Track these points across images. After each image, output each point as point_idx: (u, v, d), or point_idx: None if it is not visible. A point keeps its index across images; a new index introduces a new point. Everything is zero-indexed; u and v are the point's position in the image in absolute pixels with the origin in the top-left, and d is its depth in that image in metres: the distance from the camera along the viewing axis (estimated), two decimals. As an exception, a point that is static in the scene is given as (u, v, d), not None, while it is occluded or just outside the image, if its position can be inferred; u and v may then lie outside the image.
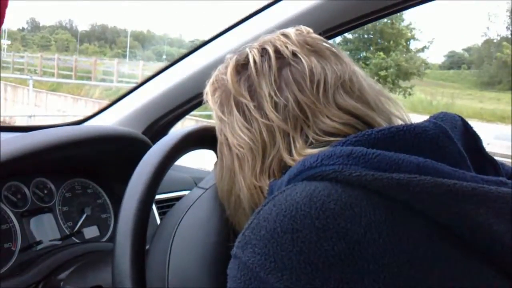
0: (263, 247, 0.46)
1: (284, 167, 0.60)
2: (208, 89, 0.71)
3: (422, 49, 21.53)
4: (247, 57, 0.66)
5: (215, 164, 0.76)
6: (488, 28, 48.37)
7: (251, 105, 0.63)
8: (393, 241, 0.44)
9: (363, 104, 0.62)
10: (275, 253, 0.45)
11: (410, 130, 0.53)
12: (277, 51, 0.64)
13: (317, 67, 0.62)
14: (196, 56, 1.25)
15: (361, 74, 0.67)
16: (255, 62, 0.64)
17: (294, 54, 0.64)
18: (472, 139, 0.60)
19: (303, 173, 0.52)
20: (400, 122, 0.65)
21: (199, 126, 0.81)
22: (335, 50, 0.67)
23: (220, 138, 0.69)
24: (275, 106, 0.61)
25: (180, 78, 1.25)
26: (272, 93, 0.61)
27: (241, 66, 0.66)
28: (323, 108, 0.60)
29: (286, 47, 0.64)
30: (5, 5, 0.47)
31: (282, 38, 0.66)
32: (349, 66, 0.65)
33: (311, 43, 0.66)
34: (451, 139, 0.54)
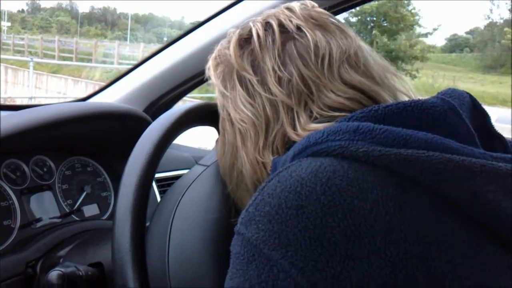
0: (267, 223, 0.45)
1: (288, 143, 0.59)
2: (210, 64, 0.70)
3: (426, 35, 21.43)
4: (250, 31, 0.65)
5: (217, 140, 0.75)
6: (491, 10, 48.07)
7: (254, 79, 0.62)
8: (401, 217, 0.43)
9: (368, 79, 0.61)
10: (280, 229, 0.44)
11: (418, 106, 0.52)
12: (281, 25, 0.63)
13: (322, 41, 0.61)
14: (197, 34, 1.23)
15: (367, 49, 0.66)
16: (258, 36, 0.63)
17: (298, 28, 0.63)
18: (481, 116, 0.59)
19: (308, 149, 0.51)
20: (406, 98, 0.63)
21: (200, 102, 0.79)
22: (340, 24, 0.66)
23: (222, 113, 0.68)
24: (279, 80, 0.60)
25: (181, 56, 1.23)
26: (276, 68, 0.60)
27: (244, 40, 0.65)
28: (328, 82, 0.59)
29: (291, 21, 0.63)
30: None
31: (287, 12, 0.65)
32: (355, 41, 0.64)
33: (316, 17, 0.64)
34: (459, 115, 0.53)
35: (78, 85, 16.22)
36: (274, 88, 0.60)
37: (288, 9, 0.66)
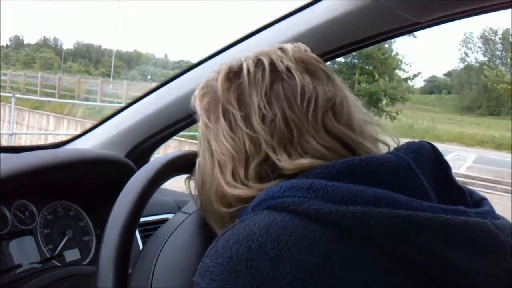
0: (219, 274, 0.48)
1: (267, 168, 0.60)
2: (196, 93, 0.70)
3: (406, 80, 21.97)
4: (241, 66, 0.66)
5: (187, 177, 0.76)
6: (466, 54, 49.47)
7: (238, 114, 0.62)
8: (348, 272, 0.46)
9: (349, 129, 0.62)
10: (231, 280, 0.47)
11: (372, 161, 0.55)
12: (272, 64, 0.64)
13: (309, 86, 0.62)
14: (182, 79, 1.26)
15: (351, 99, 0.67)
16: (248, 71, 0.64)
17: (288, 69, 0.63)
18: (442, 168, 0.61)
19: (266, 202, 0.54)
20: (385, 147, 0.66)
21: (182, 152, 0.82)
22: (328, 71, 0.67)
23: (203, 143, 0.68)
24: (263, 118, 0.61)
25: (166, 101, 1.25)
26: (262, 105, 0.61)
27: (234, 74, 0.66)
28: (310, 128, 0.60)
29: (282, 61, 0.64)
30: None
31: (279, 52, 0.66)
32: (341, 90, 0.66)
33: (306, 61, 0.66)
34: (412, 170, 0.55)
35: (60, 122, 16.10)
36: (257, 125, 0.60)
37: (281, 49, 0.67)
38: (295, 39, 1.02)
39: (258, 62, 0.65)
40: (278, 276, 0.45)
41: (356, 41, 1.07)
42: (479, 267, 0.50)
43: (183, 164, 0.79)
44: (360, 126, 0.64)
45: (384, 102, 19.94)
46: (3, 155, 0.99)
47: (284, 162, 0.59)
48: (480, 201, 0.61)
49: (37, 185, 1.05)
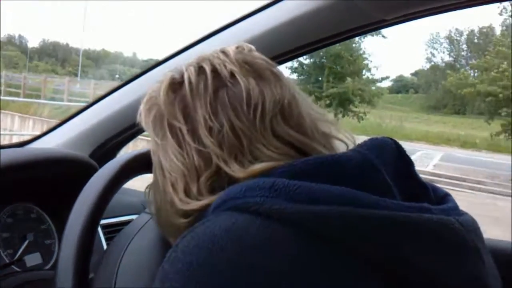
0: (180, 280, 0.46)
1: (227, 181, 0.58)
2: (142, 109, 0.66)
3: (374, 82, 22.21)
4: (182, 75, 0.63)
5: (148, 186, 0.73)
6: (432, 54, 50.55)
7: (184, 129, 0.60)
8: (312, 274, 0.45)
9: (299, 131, 0.60)
10: (192, 286, 0.45)
11: (334, 159, 0.54)
12: (214, 71, 0.61)
13: (255, 90, 0.60)
14: (147, 78, 1.23)
15: (301, 99, 0.64)
16: (190, 81, 0.61)
17: (232, 74, 0.60)
18: (405, 164, 0.60)
19: (227, 203, 0.52)
20: (343, 146, 0.64)
21: (144, 150, 0.79)
22: (275, 70, 0.64)
23: (154, 160, 0.66)
24: (210, 130, 0.58)
25: (130, 99, 1.22)
26: (207, 117, 0.58)
27: (178, 85, 0.63)
28: (259, 135, 0.58)
29: (225, 66, 0.61)
30: None
31: (221, 56, 0.63)
32: (289, 90, 0.63)
33: (250, 62, 0.63)
34: (375, 168, 0.54)
35: (25, 122, 15.74)
36: (206, 138, 0.58)
37: (223, 52, 0.64)
38: (253, 40, 1.02)
39: (200, 70, 0.62)
40: (239, 281, 0.44)
41: (319, 39, 1.07)
42: (444, 266, 0.49)
43: (146, 163, 0.77)
44: (311, 127, 0.62)
45: (356, 103, 20.20)
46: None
47: (237, 171, 0.57)
48: (443, 197, 0.61)
49: (-4, 186, 1.01)
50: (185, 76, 0.62)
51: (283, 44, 1.03)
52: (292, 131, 0.60)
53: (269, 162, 0.56)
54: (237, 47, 0.65)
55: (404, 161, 0.60)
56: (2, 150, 1.06)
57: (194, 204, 0.59)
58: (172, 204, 0.62)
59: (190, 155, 0.59)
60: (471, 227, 0.55)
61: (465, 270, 0.51)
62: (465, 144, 21.45)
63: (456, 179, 11.80)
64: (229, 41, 1.08)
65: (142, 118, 0.66)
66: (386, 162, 0.56)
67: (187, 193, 0.60)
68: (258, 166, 0.56)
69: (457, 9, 0.93)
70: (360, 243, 0.47)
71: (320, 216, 0.47)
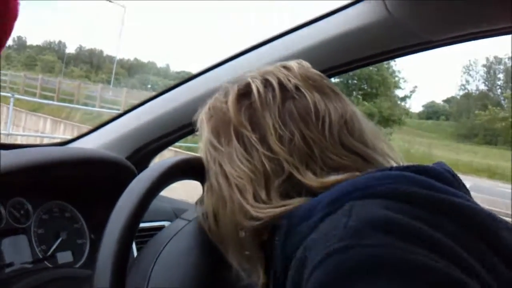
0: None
1: (292, 186, 0.60)
2: (203, 117, 0.69)
3: (404, 98, 21.99)
4: (248, 86, 0.65)
5: (201, 198, 0.73)
6: (467, 81, 49.86)
7: (253, 136, 0.61)
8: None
9: (363, 144, 0.63)
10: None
11: (420, 168, 0.56)
12: (280, 84, 0.64)
13: (321, 103, 0.62)
14: (186, 87, 1.25)
15: (360, 115, 0.67)
16: (259, 92, 0.63)
17: (297, 88, 0.63)
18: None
19: (356, 192, 0.52)
20: (394, 164, 0.65)
21: (185, 156, 0.80)
22: (334, 88, 0.67)
23: (213, 167, 0.66)
24: (280, 139, 0.60)
25: (168, 108, 1.24)
26: (277, 126, 0.61)
27: (245, 95, 0.65)
28: (329, 145, 0.60)
29: (289, 80, 0.64)
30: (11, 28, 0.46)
31: (284, 71, 0.66)
32: (349, 105, 0.66)
33: (312, 78, 0.65)
34: (454, 175, 0.58)
35: (57, 125, 16.07)
36: (276, 146, 0.60)
37: (286, 67, 0.66)
38: (300, 54, 1.02)
39: (266, 82, 0.65)
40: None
41: (365, 57, 1.06)
42: None
43: (187, 168, 0.77)
44: (371, 141, 0.64)
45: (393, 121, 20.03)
46: (3, 150, 0.97)
47: (310, 179, 0.58)
48: None
49: (35, 183, 1.03)
50: (253, 87, 0.64)
51: (328, 60, 1.03)
52: (357, 143, 0.62)
53: (344, 174, 0.58)
54: (297, 63, 0.68)
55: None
56: (44, 148, 1.08)
57: (266, 210, 0.59)
58: (241, 210, 0.62)
59: (259, 161, 0.61)
60: None
61: None
62: (493, 175, 21.02)
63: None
64: (265, 58, 1.09)
65: (204, 125, 0.68)
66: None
67: (256, 198, 0.60)
68: (331, 179, 0.58)
69: (508, 34, 0.91)
70: (468, 224, 0.49)
71: (448, 202, 0.50)
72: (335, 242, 0.45)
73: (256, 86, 0.64)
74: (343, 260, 0.44)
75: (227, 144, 0.64)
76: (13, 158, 0.93)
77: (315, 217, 0.52)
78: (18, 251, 0.98)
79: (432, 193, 0.51)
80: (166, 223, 1.26)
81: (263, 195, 0.60)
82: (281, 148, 0.60)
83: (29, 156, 0.97)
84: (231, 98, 0.65)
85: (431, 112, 53.20)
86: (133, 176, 0.74)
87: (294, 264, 0.50)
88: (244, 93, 0.65)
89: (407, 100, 22.40)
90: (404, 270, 0.42)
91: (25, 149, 1.02)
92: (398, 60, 21.04)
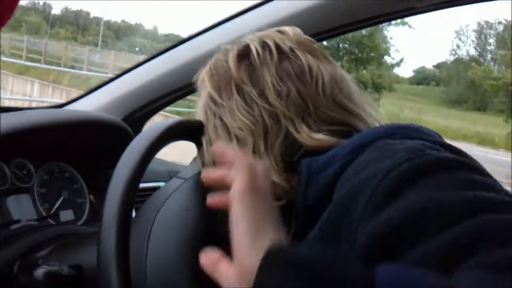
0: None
1: (292, 146, 0.64)
2: (204, 75, 0.73)
3: (393, 66, 21.91)
4: (247, 47, 0.70)
5: (200, 153, 0.77)
6: (458, 46, 49.60)
7: (253, 91, 0.66)
8: None
9: (352, 103, 0.68)
10: None
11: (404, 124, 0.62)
12: (277, 45, 0.69)
13: (314, 64, 0.67)
14: (179, 50, 1.26)
15: (349, 78, 0.72)
16: (257, 52, 0.68)
17: (292, 50, 0.68)
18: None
19: (380, 139, 0.57)
20: (377, 125, 0.69)
21: (183, 118, 0.83)
22: (324, 52, 0.72)
23: (214, 121, 0.70)
24: (278, 94, 0.65)
25: (162, 70, 1.25)
26: (275, 82, 0.65)
27: (244, 54, 0.70)
28: (322, 101, 0.65)
29: (284, 43, 0.69)
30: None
31: (279, 35, 0.71)
32: (338, 69, 0.71)
33: (304, 43, 0.71)
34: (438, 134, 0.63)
35: (45, 89, 15.81)
36: (274, 101, 0.65)
37: (281, 32, 0.72)
38: (287, 19, 1.05)
39: (264, 44, 0.69)
40: None
41: (348, 23, 1.09)
42: None
43: (185, 129, 0.80)
44: (359, 102, 0.69)
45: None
46: (3, 113, 1.00)
47: (303, 134, 0.63)
48: None
49: (36, 144, 1.07)
50: (252, 47, 0.69)
51: (318, 25, 1.05)
52: (347, 101, 0.68)
53: (332, 137, 0.64)
54: (292, 28, 0.73)
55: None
56: (42, 110, 1.11)
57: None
58: None
59: (258, 113, 0.65)
60: None
61: None
62: (482, 141, 21.16)
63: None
64: (262, 19, 1.11)
65: (206, 82, 0.72)
66: None
67: (255, 150, 0.65)
68: (323, 137, 0.63)
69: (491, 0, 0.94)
70: None
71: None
72: (400, 156, 0.48)
73: (254, 47, 0.69)
74: (415, 163, 0.46)
75: (228, 98, 0.68)
76: (14, 120, 0.96)
77: (340, 161, 0.57)
78: (23, 209, 1.02)
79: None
80: (161, 184, 1.30)
81: (262, 147, 0.65)
82: (279, 102, 0.64)
83: (30, 118, 1.00)
84: (232, 57, 0.69)
85: (422, 78, 53.04)
86: (130, 138, 0.76)
87: (332, 210, 0.52)
88: (244, 53, 0.69)
89: (396, 68, 22.30)
90: (477, 166, 0.48)
91: (24, 111, 1.05)
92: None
